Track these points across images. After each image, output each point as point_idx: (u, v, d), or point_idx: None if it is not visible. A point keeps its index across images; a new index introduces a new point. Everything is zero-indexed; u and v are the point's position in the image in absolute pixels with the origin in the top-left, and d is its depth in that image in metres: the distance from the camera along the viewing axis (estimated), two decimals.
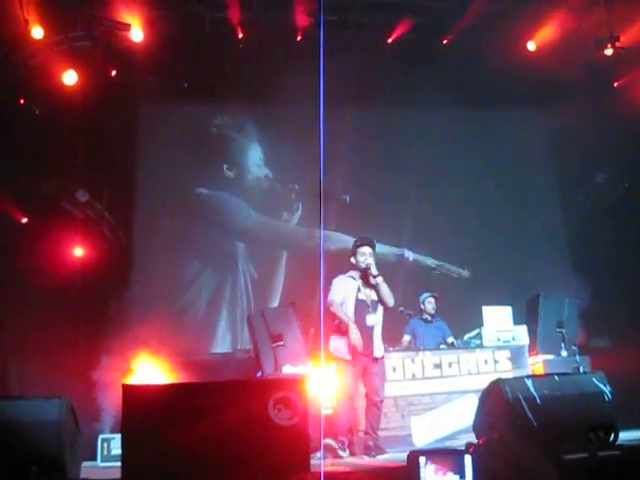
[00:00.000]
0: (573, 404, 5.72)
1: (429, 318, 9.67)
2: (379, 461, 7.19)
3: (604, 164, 11.75)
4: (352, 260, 7.77)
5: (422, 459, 2.12)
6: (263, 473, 4.09)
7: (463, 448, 4.63)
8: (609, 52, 10.71)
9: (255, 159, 12.18)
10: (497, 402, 5.82)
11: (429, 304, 9.69)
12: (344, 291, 7.67)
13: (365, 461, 7.26)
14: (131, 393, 4.56)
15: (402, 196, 11.87)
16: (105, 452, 8.44)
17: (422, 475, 2.12)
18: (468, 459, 2.23)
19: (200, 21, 10.49)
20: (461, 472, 2.24)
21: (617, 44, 10.62)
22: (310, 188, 10.89)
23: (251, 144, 12.20)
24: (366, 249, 7.70)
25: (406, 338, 9.61)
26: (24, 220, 10.19)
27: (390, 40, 11.12)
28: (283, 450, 4.26)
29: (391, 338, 9.46)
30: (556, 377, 6.02)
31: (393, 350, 8.88)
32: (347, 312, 7.57)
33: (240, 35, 10.69)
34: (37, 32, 9.54)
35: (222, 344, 11.33)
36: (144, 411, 4.41)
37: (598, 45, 10.75)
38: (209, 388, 4.76)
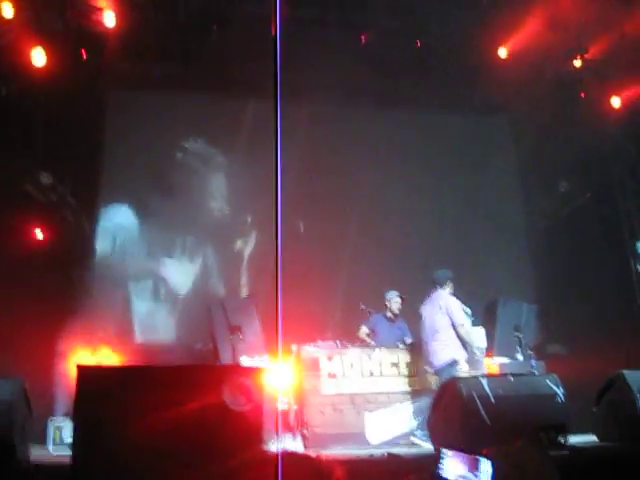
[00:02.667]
0: (526, 404, 5.83)
1: (392, 317, 9.63)
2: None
3: (568, 173, 11.93)
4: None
5: (446, 451, 2.14)
6: (217, 458, 4.08)
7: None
8: (578, 64, 10.86)
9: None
10: (452, 400, 5.91)
11: (395, 304, 9.58)
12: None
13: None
14: (86, 374, 4.51)
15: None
16: (57, 439, 8.34)
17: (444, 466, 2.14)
18: (485, 462, 2.25)
19: (174, 9, 10.39)
20: (476, 471, 2.27)
21: (586, 56, 10.78)
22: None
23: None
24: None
25: (364, 330, 9.54)
26: None
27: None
28: (237, 435, 4.26)
29: (351, 334, 9.53)
30: (511, 377, 6.14)
31: (351, 346, 8.90)
32: None
33: (214, 27, 10.61)
34: (7, 11, 9.38)
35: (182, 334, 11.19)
36: (99, 393, 4.37)
37: (567, 56, 10.90)
38: (166, 372, 4.73)
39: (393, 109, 11.89)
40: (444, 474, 2.11)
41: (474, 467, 2.20)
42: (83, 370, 4.58)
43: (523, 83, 11.13)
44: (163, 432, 4.24)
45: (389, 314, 9.60)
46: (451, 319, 8.22)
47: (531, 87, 11.17)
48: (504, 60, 11.15)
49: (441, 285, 8.51)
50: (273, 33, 10.44)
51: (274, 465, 4.17)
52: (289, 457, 4.83)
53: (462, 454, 2.18)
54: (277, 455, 4.51)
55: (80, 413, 4.50)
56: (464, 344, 8.18)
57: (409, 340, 9.39)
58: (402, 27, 11.02)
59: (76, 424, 4.60)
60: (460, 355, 8.08)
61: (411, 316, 9.75)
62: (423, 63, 11.17)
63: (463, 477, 2.18)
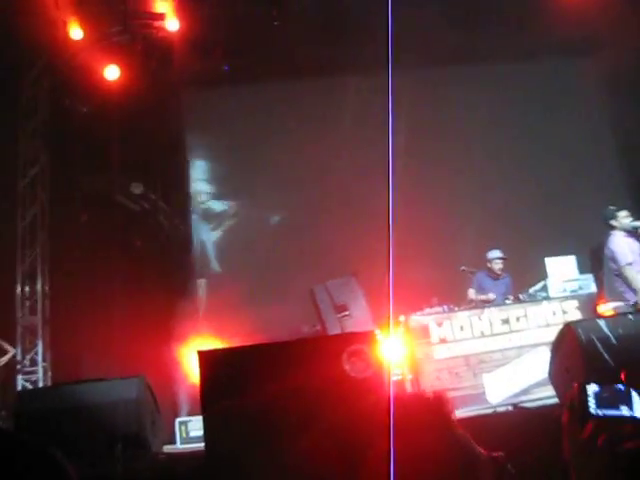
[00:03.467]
0: None
1: (495, 275, 9.55)
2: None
3: None
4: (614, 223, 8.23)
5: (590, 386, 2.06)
6: (342, 426, 4.10)
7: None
8: None
9: None
10: (571, 346, 5.75)
11: (496, 264, 9.55)
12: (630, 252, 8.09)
13: None
14: (207, 358, 4.60)
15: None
16: (184, 435, 8.58)
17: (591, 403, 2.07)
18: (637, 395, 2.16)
19: (232, 2, 10.48)
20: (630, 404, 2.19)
21: None
22: None
23: None
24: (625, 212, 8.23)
25: (471, 291, 9.50)
26: (84, 218, 10.40)
27: None
28: (362, 402, 4.27)
29: (456, 297, 9.42)
30: (630, 316, 5.93)
31: (459, 310, 8.80)
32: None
33: (274, 12, 10.63)
34: (76, 33, 9.69)
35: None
36: (221, 374, 4.45)
37: None
38: (284, 347, 4.79)
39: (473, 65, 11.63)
40: (594, 411, 2.03)
41: (625, 400, 2.11)
42: (203, 355, 4.68)
43: (607, 19, 10.59)
44: (288, 407, 4.29)
45: (492, 274, 9.54)
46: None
47: (615, 22, 10.61)
48: None
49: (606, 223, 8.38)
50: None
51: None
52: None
53: (608, 387, 2.09)
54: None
55: (207, 396, 4.59)
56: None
57: (511, 296, 9.23)
58: None
59: (204, 408, 4.69)
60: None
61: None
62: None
63: (616, 411, 2.09)
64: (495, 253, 9.59)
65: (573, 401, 2.26)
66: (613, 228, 8.29)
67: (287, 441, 3.97)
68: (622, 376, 3.43)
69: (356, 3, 10.08)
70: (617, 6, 10.41)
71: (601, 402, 2.06)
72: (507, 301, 8.98)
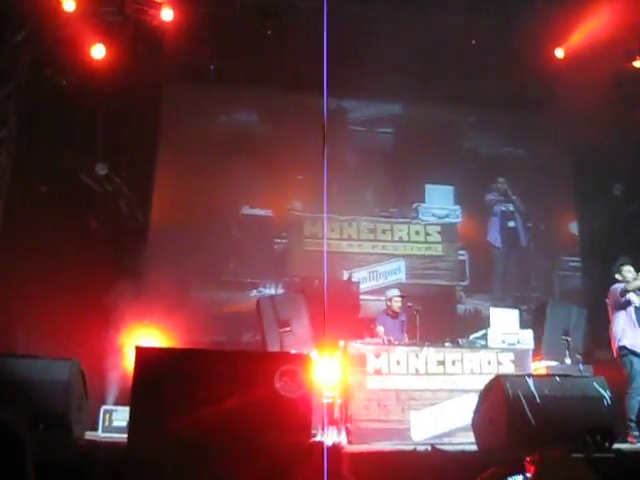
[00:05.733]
0: (572, 406, 5.76)
1: (394, 315, 9.70)
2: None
3: (624, 176, 11.72)
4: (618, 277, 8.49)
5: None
6: (266, 441, 4.14)
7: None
8: (638, 64, 10.64)
9: None
10: (497, 398, 5.88)
11: (396, 303, 9.69)
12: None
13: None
14: (144, 355, 4.61)
15: None
16: (107, 423, 8.52)
17: None
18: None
19: (232, 4, 10.52)
20: None
21: None
22: None
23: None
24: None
25: (380, 329, 9.40)
26: (43, 189, 10.29)
27: None
28: (287, 421, 4.32)
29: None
30: (557, 378, 6.08)
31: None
32: None
33: (269, 23, 10.70)
34: (69, 5, 9.62)
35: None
36: (155, 373, 4.46)
37: (627, 57, 10.69)
38: (220, 356, 4.82)
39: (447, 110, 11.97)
40: None
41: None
42: (141, 351, 4.69)
43: (581, 84, 10.94)
44: (216, 415, 4.32)
45: (390, 311, 9.71)
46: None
47: (589, 88, 10.97)
48: (561, 60, 11.04)
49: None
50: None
51: (320, 456, 4.21)
52: (332, 450, 4.87)
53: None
54: (323, 446, 4.55)
55: (137, 392, 4.59)
56: None
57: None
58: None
59: (133, 402, 4.69)
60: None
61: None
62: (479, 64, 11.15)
63: None
64: (394, 292, 9.85)
65: None
66: (617, 281, 8.54)
67: (211, 458, 3.99)
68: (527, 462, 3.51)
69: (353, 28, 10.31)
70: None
71: None
72: (447, 344, 9.11)
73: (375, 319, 9.77)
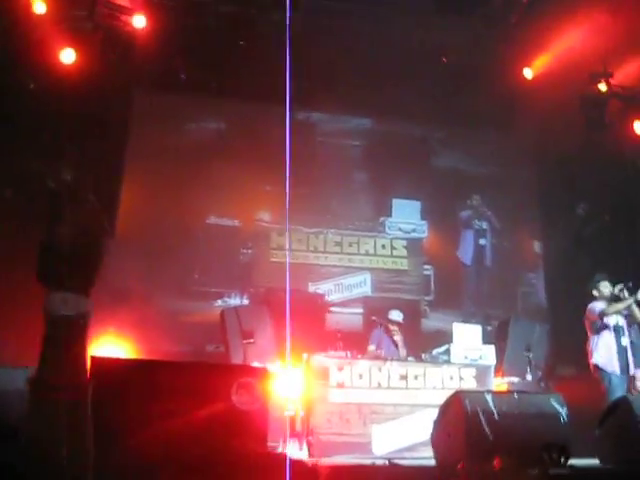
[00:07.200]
0: (529, 422, 5.83)
1: (391, 335, 9.78)
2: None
3: (587, 195, 11.91)
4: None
5: None
6: (222, 453, 4.14)
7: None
8: (603, 88, 10.83)
9: None
10: (456, 414, 5.92)
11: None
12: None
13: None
14: (99, 365, 4.57)
15: None
16: None
17: None
18: None
19: (204, 13, 10.52)
20: None
21: (611, 81, 10.76)
22: None
23: None
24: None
25: (372, 348, 9.64)
26: (8, 194, 10.15)
27: None
28: (243, 433, 4.32)
29: (364, 344, 9.61)
30: (515, 395, 6.15)
31: (361, 357, 8.94)
32: None
33: (242, 32, 10.72)
34: (39, 7, 9.55)
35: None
36: (111, 384, 4.42)
37: (592, 80, 10.88)
38: (178, 368, 4.80)
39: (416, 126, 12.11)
40: None
41: None
42: (96, 361, 4.64)
43: (547, 104, 11.13)
44: (172, 428, 4.29)
45: (388, 333, 9.78)
46: None
47: (555, 108, 11.16)
48: (529, 81, 11.21)
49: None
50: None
51: (278, 469, 4.22)
52: (294, 463, 4.87)
53: None
54: (283, 459, 4.56)
55: (94, 403, 4.52)
56: None
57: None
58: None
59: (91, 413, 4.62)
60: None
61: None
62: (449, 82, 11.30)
63: None
64: (397, 315, 9.88)
65: None
66: (594, 298, 8.69)
67: (169, 470, 3.98)
68: (495, 462, 3.57)
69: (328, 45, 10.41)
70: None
71: None
72: (409, 358, 9.16)
73: (368, 337, 9.89)
